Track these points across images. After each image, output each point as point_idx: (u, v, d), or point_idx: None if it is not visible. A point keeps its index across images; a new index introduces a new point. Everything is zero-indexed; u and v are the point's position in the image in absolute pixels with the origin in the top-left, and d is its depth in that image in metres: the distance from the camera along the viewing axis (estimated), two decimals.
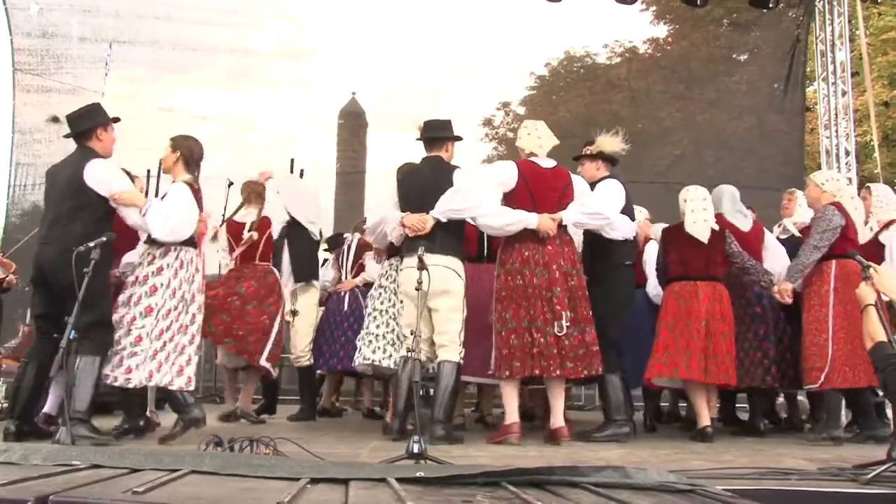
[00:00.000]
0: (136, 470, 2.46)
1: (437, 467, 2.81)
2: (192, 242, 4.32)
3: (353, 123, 11.68)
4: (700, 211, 5.06)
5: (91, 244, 3.81)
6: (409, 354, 4.10)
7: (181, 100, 9.73)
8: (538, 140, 4.67)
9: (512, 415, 4.38)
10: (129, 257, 4.53)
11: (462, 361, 4.49)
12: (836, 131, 8.58)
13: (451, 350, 4.43)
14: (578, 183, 4.70)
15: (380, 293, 5.18)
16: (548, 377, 4.33)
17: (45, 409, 4.56)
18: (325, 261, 6.89)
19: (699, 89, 10.27)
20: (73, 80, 9.19)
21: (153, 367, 4.13)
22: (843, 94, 8.65)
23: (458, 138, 4.90)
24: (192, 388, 4.26)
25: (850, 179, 8.34)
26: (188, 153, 4.41)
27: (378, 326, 5.11)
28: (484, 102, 11.92)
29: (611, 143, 5.00)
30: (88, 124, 4.28)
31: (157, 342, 4.15)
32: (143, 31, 9.27)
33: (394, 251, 5.09)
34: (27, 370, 4.07)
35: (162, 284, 4.18)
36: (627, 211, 4.89)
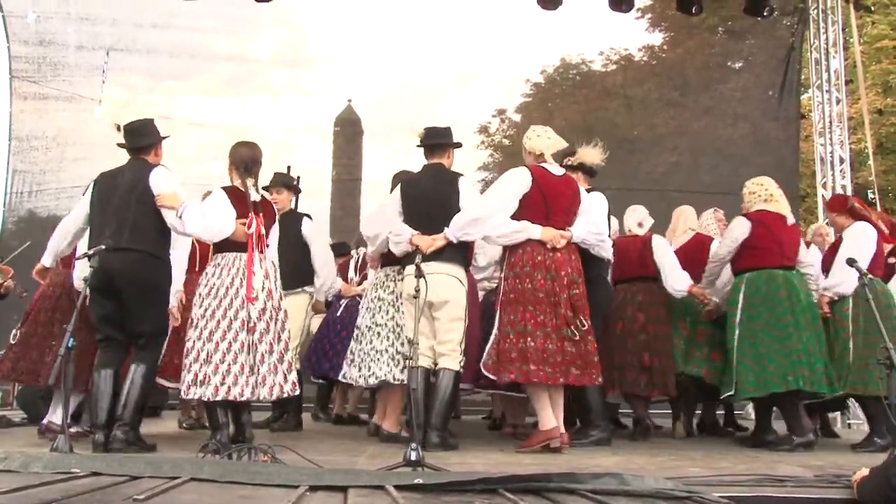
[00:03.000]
0: (135, 478, 2.48)
1: (435, 474, 2.82)
2: (234, 247, 4.23)
3: (348, 131, 11.68)
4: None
5: (90, 252, 3.86)
6: (408, 363, 4.10)
7: (179, 107, 9.71)
8: (548, 141, 4.64)
9: (547, 420, 4.27)
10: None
11: (462, 370, 4.50)
12: (831, 139, 8.63)
13: (451, 359, 4.43)
14: (584, 195, 4.71)
15: (379, 306, 4.95)
16: (552, 384, 4.29)
17: (47, 418, 4.57)
18: None
19: (694, 97, 10.31)
20: (70, 88, 9.21)
21: (217, 381, 4.03)
22: (838, 101, 8.71)
23: (459, 145, 4.91)
24: (244, 398, 4.07)
25: (844, 187, 8.40)
26: (236, 159, 4.43)
27: (382, 342, 4.94)
28: (480, 110, 11.94)
29: (591, 154, 5.05)
30: (153, 139, 4.46)
31: (203, 352, 4.08)
32: (141, 38, 9.29)
33: (389, 260, 4.99)
34: (101, 379, 4.07)
35: (200, 295, 4.20)
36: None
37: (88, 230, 4.37)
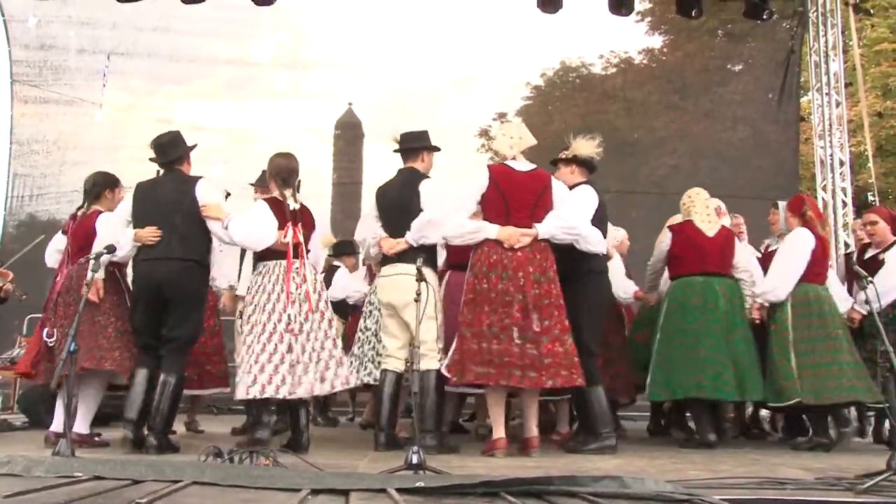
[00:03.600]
0: (137, 481, 2.48)
1: (437, 478, 2.83)
2: (275, 255, 4.42)
3: (349, 134, 11.70)
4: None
5: (92, 256, 3.88)
6: (408, 365, 4.11)
7: (179, 111, 9.74)
8: (510, 140, 4.58)
9: (498, 429, 4.31)
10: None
11: (444, 370, 4.49)
12: (831, 141, 8.62)
13: (429, 359, 4.43)
14: (559, 188, 4.59)
15: (370, 311, 5.19)
16: (518, 387, 4.25)
17: (53, 427, 4.54)
18: (338, 267, 6.85)
19: (694, 99, 10.31)
20: (71, 92, 9.22)
21: (264, 380, 4.24)
22: (837, 104, 8.70)
23: (435, 148, 4.93)
24: (278, 395, 4.26)
25: (844, 190, 8.41)
26: (272, 170, 4.63)
27: (363, 345, 5.19)
28: (480, 113, 11.95)
29: (585, 146, 4.95)
30: (184, 150, 4.64)
31: (252, 355, 4.29)
32: (141, 42, 9.30)
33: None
34: (137, 378, 4.30)
35: (249, 303, 4.44)
36: (602, 221, 4.86)
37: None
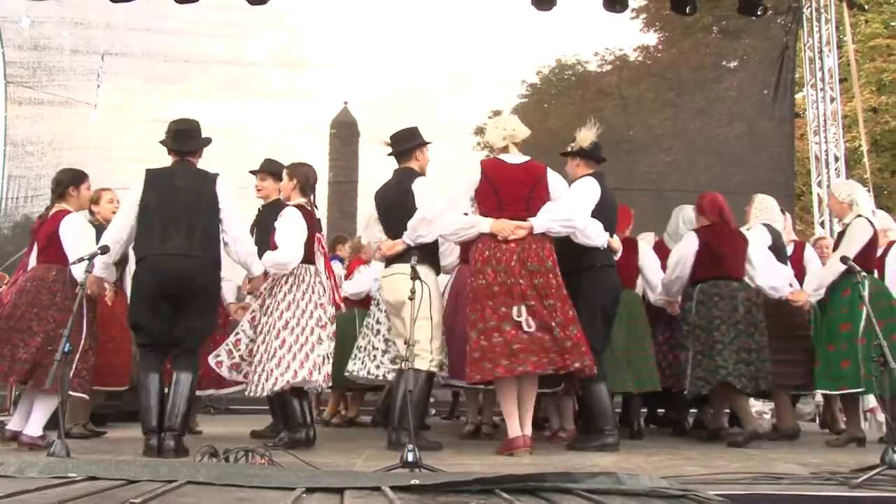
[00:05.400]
0: (132, 481, 2.48)
1: (431, 475, 2.83)
2: (309, 260, 4.60)
3: (345, 133, 11.69)
4: None
5: (86, 257, 3.86)
6: (402, 364, 4.11)
7: (174, 111, 9.68)
8: (502, 132, 4.54)
9: (513, 428, 4.22)
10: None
11: (435, 370, 4.54)
12: (826, 137, 8.65)
13: (421, 359, 4.39)
14: (555, 180, 4.50)
15: (374, 308, 5.29)
16: (522, 380, 4.22)
17: (10, 426, 4.52)
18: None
19: (689, 96, 10.31)
20: (65, 92, 9.20)
21: (279, 374, 4.36)
22: (832, 100, 8.73)
23: (424, 144, 4.89)
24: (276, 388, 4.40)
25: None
26: (304, 179, 4.78)
27: (361, 339, 5.28)
28: (476, 111, 11.95)
29: (583, 136, 4.89)
30: (202, 142, 4.51)
31: (280, 350, 4.40)
32: (135, 42, 9.29)
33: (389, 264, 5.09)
34: (150, 384, 4.13)
35: (277, 303, 4.49)
36: (608, 214, 4.79)
37: (140, 230, 4.25)
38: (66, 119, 9.29)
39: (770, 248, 5.34)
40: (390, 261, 4.67)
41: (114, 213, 5.24)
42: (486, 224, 4.30)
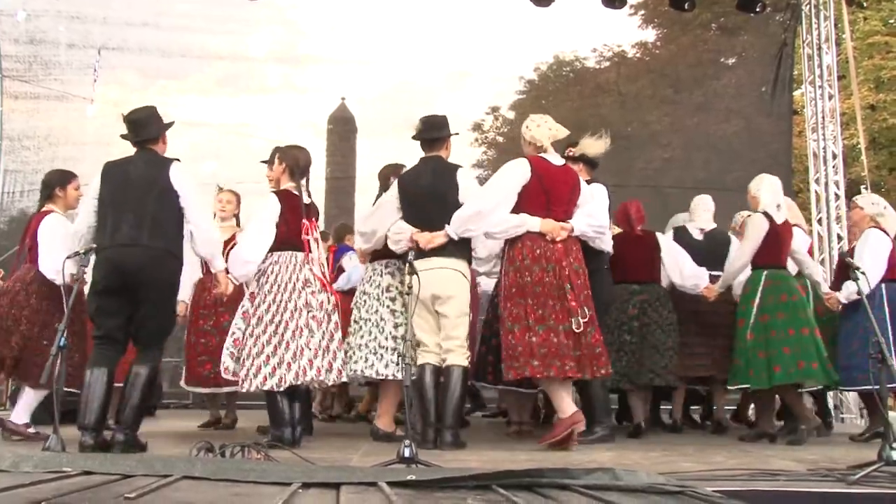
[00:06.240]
0: (127, 476, 2.46)
1: (428, 471, 2.82)
2: (286, 246, 4.43)
3: (342, 129, 11.66)
4: None
5: (82, 251, 3.84)
6: (404, 360, 4.08)
7: (171, 106, 9.64)
8: (549, 132, 4.52)
9: (567, 407, 4.21)
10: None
11: (470, 366, 4.52)
12: (824, 134, 8.64)
13: (458, 355, 4.39)
14: (585, 186, 4.64)
15: (364, 300, 4.93)
16: (575, 377, 4.26)
17: (13, 417, 4.54)
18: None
19: (688, 93, 10.30)
20: (61, 87, 9.15)
21: (267, 372, 4.26)
22: (830, 97, 8.72)
23: (455, 134, 4.84)
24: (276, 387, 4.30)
25: (837, 183, 8.42)
26: (293, 163, 4.62)
27: (362, 336, 4.89)
28: (473, 107, 11.95)
29: (594, 146, 4.97)
30: (160, 128, 4.33)
31: (266, 346, 4.30)
32: (132, 37, 9.24)
33: (377, 255, 4.95)
34: (94, 378, 3.96)
35: (261, 291, 4.38)
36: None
37: (98, 222, 4.19)
38: (63, 114, 9.25)
39: (698, 245, 5.70)
40: (424, 254, 4.43)
41: None
42: (535, 223, 4.32)
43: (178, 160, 4.29)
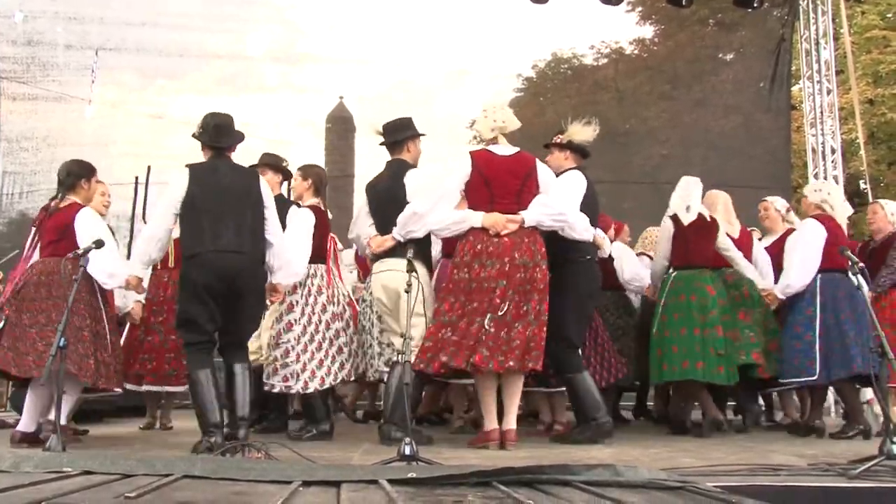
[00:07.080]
0: (127, 475, 2.46)
1: (429, 468, 2.82)
2: (320, 259, 4.90)
3: (340, 128, 11.68)
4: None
5: (80, 251, 3.83)
6: (399, 358, 4.07)
7: (170, 105, 9.68)
8: (493, 123, 4.43)
9: (489, 421, 4.23)
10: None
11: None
12: (822, 129, 8.64)
13: (407, 355, 4.34)
14: (544, 173, 4.46)
15: (363, 308, 4.96)
16: (504, 375, 4.19)
17: (20, 427, 4.37)
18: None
19: (685, 89, 10.29)
20: (59, 88, 9.14)
21: (307, 377, 4.73)
22: (829, 92, 8.72)
23: (418, 135, 4.81)
24: (325, 386, 4.83)
25: (836, 178, 8.42)
26: (318, 180, 5.09)
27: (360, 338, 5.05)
28: (472, 106, 11.91)
29: (582, 132, 4.82)
30: (239, 137, 4.41)
31: (304, 353, 4.75)
32: (130, 37, 9.23)
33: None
34: (205, 379, 4.02)
35: (297, 302, 4.80)
36: (591, 208, 4.74)
37: (187, 227, 4.16)
38: (61, 115, 9.24)
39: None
40: (380, 257, 4.56)
41: (105, 206, 5.22)
42: (477, 218, 4.23)
43: (258, 170, 4.67)
